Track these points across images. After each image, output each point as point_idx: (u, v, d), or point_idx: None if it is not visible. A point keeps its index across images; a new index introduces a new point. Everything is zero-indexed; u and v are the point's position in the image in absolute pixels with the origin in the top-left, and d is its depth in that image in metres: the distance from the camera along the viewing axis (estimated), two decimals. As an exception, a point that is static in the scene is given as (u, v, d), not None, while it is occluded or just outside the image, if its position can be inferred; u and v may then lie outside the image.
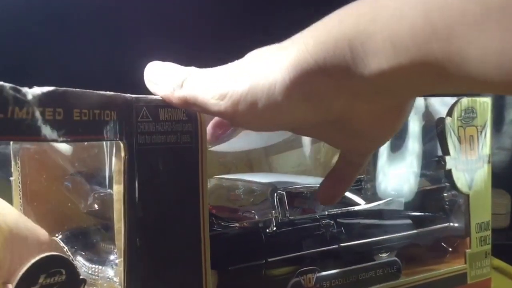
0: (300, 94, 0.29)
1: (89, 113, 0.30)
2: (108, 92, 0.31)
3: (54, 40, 0.79)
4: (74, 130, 0.29)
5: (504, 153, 1.43)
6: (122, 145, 0.32)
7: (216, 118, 0.38)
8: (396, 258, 0.48)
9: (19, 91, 0.27)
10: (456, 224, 0.54)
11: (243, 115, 0.31)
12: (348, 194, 0.49)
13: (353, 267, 0.46)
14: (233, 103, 0.31)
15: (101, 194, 0.41)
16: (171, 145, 0.34)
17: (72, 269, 0.30)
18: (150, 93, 0.35)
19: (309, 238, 0.45)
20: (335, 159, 0.58)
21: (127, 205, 0.32)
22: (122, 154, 0.32)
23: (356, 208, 0.49)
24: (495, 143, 1.45)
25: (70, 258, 0.37)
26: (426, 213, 0.53)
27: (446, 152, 0.51)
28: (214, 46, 0.85)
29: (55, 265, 0.30)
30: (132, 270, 0.32)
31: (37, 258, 0.29)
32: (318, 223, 0.46)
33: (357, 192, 0.51)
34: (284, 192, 0.45)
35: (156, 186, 0.33)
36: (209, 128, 0.38)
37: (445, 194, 0.54)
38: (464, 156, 0.52)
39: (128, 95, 0.32)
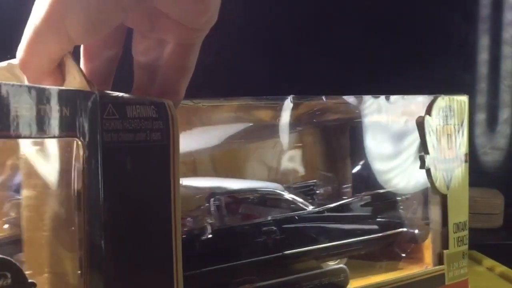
0: None
1: (33, 108, 0.28)
2: (62, 87, 0.30)
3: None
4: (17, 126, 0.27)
5: (498, 153, 1.40)
6: (80, 143, 0.30)
7: None
8: (343, 266, 0.46)
9: None
10: (410, 229, 0.51)
11: None
12: (295, 197, 0.47)
13: (295, 276, 0.43)
14: None
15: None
16: (140, 144, 0.32)
17: (18, 272, 0.28)
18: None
19: (249, 246, 0.43)
20: (284, 164, 0.56)
21: (89, 208, 0.30)
22: (81, 152, 0.30)
23: (303, 213, 0.47)
24: (488, 142, 1.43)
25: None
26: (379, 218, 0.51)
27: (426, 151, 0.50)
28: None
29: None
30: (95, 277, 0.30)
31: None
32: (259, 229, 0.44)
33: (306, 197, 0.49)
34: (222, 198, 0.43)
35: (124, 187, 0.31)
36: None
37: (399, 198, 0.52)
38: (442, 155, 0.51)
39: (90, 90, 0.30)
